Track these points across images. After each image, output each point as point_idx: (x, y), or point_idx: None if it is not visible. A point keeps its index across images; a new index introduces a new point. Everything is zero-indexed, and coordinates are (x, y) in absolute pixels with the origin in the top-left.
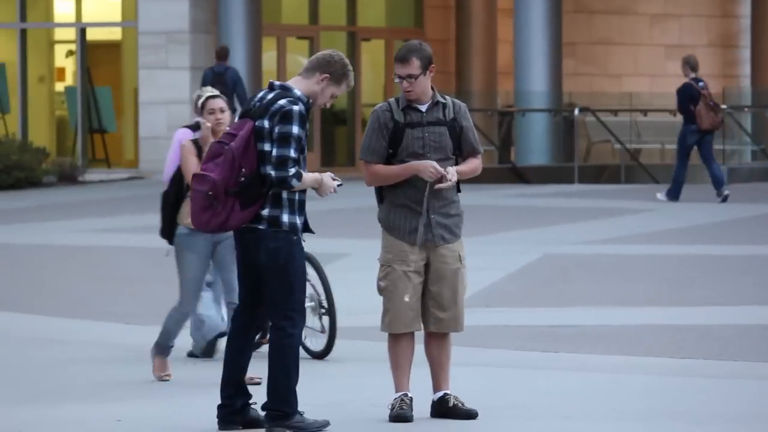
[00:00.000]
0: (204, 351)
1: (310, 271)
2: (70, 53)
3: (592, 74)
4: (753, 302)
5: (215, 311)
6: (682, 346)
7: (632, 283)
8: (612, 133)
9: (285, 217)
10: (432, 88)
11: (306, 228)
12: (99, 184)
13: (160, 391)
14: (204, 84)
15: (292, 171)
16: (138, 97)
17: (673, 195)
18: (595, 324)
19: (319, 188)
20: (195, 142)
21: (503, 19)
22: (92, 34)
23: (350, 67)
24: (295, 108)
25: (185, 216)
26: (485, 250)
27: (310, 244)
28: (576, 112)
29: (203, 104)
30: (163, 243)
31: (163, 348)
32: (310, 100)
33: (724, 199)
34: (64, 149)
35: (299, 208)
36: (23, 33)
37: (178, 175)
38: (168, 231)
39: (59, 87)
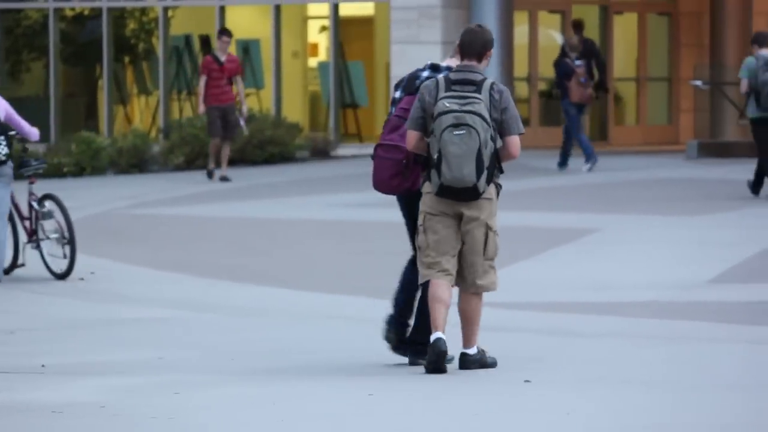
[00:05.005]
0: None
1: (55, 209)
2: (323, 29)
3: None
4: None
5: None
6: None
7: None
8: None
9: None
10: None
11: None
12: (351, 158)
13: (408, 367)
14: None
15: None
16: (390, 71)
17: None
18: None
19: None
20: None
21: None
22: (345, 10)
23: None
24: None
25: None
26: (740, 225)
27: (566, 219)
28: None
29: None
30: None
31: None
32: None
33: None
34: (317, 124)
35: None
36: (277, 9)
37: None
38: None
39: (312, 62)
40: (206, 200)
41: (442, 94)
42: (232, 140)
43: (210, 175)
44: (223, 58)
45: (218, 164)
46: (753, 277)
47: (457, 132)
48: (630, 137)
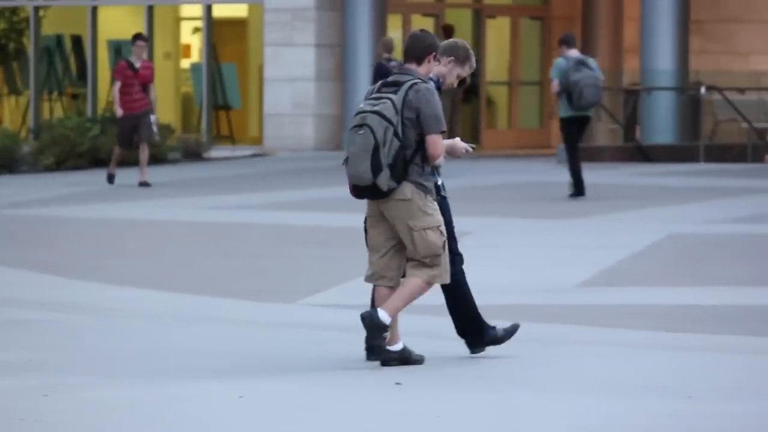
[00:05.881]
0: None
1: None
2: (196, 30)
3: (719, 52)
4: None
5: None
6: None
7: (759, 262)
8: (739, 112)
9: None
10: None
11: None
12: (223, 160)
13: (285, 368)
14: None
15: None
16: (263, 74)
17: None
18: (720, 304)
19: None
20: None
21: None
22: (218, 11)
23: (472, 51)
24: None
25: None
26: (609, 229)
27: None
28: (702, 90)
29: None
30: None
31: None
32: (440, 80)
33: None
34: (189, 126)
35: None
36: (150, 10)
37: None
38: None
39: (185, 64)
40: (77, 201)
41: (371, 95)
42: (149, 144)
43: (110, 179)
44: (137, 65)
45: (117, 166)
46: (623, 280)
47: (359, 132)
48: (502, 141)
